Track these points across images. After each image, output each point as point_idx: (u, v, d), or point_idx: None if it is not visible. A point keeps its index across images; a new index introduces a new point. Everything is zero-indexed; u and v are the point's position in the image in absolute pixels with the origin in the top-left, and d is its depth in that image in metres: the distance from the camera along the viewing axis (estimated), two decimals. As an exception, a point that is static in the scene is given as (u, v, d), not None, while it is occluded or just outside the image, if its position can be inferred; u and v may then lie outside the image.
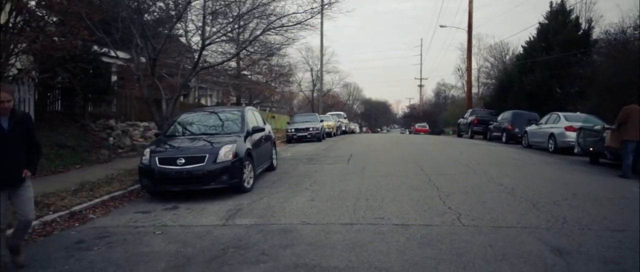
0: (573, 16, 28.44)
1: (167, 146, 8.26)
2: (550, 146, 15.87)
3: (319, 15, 12.94)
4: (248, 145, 8.55)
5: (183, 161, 7.60)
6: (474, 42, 60.03)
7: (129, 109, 17.32)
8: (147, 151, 8.01)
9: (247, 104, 30.52)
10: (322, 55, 43.47)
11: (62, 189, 7.94)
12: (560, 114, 16.56)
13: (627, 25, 23.81)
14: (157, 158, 7.72)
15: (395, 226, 5.64)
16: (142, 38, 10.46)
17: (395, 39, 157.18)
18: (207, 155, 7.67)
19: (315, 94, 55.01)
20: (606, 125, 11.63)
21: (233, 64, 26.64)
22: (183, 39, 17.90)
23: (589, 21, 27.78)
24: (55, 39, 9.47)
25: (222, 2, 11.37)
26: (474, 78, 48.29)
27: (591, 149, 11.95)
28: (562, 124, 15.51)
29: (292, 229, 5.64)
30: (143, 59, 11.13)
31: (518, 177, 9.51)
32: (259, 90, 35.32)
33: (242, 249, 4.93)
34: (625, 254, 4.58)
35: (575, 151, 13.00)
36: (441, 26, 72.82)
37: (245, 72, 31.05)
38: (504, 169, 10.72)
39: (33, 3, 9.29)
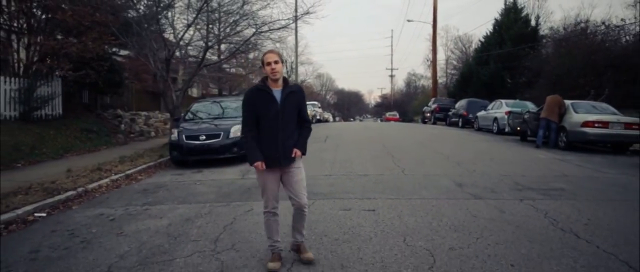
0: (524, 13, 31.69)
1: (189, 127, 10.80)
2: (494, 127, 18.91)
3: (300, 17, 15.53)
4: (250, 126, 11.17)
5: (204, 137, 10.21)
6: (442, 33, 62.98)
7: (131, 101, 19.61)
8: (175, 131, 10.57)
9: (225, 96, 32.93)
10: (296, 47, 45.91)
11: (109, 161, 10.43)
12: (503, 101, 19.62)
13: (568, 23, 27.26)
14: (184, 135, 10.31)
15: (359, 175, 8.39)
16: (157, 42, 12.88)
17: (367, 29, 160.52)
18: (222, 132, 10.30)
19: (289, 85, 57.31)
20: (528, 110, 14.69)
21: (215, 57, 29.06)
22: (165, 35, 20.23)
23: (537, 18, 31.07)
24: (90, 43, 11.82)
25: (223, 13, 13.84)
26: (442, 68, 51.70)
27: (518, 128, 14.98)
28: (503, 109, 18.56)
29: (290, 178, 8.33)
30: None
31: (455, 149, 12.40)
32: (238, 82, 37.71)
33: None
34: (501, 185, 7.42)
35: (506, 130, 16.08)
36: (408, 21, 76.21)
37: (225, 65, 33.38)
38: (448, 145, 13.61)
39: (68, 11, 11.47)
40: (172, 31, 19.21)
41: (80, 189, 7.71)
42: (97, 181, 8.42)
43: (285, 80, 4.03)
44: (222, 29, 14.62)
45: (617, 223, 5.28)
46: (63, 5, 10.56)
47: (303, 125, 4.20)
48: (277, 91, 3.96)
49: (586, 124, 12.26)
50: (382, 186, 7.40)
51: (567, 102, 13.46)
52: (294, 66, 50.33)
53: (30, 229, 5.84)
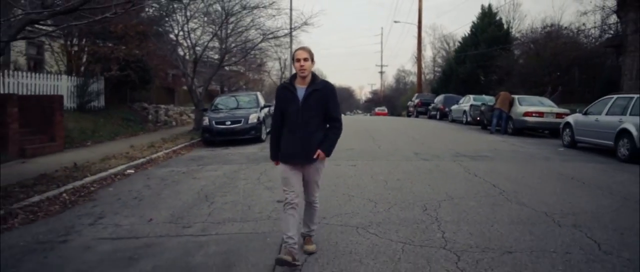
0: (498, 18, 35.05)
1: (216, 115, 13.93)
2: (463, 119, 22.17)
3: (299, 27, 18.80)
4: (262, 114, 14.36)
5: (229, 122, 13.37)
6: (430, 32, 66.17)
7: (152, 95, 22.64)
8: (206, 118, 13.69)
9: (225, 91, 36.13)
10: (291, 49, 48.97)
11: (154, 141, 13.52)
12: (471, 96, 22.88)
13: (535, 27, 30.63)
14: (214, 121, 13.46)
15: (346, 149, 11.52)
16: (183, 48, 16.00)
17: (358, 25, 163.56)
18: (243, 119, 13.46)
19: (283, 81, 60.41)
20: (483, 103, 18.01)
21: (216, 56, 32.31)
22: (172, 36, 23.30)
23: (509, 23, 34.47)
24: (134, 49, 14.92)
25: (239, 27, 17.04)
26: (429, 65, 55.08)
27: (478, 118, 18.27)
28: (470, 103, 21.82)
29: (297, 151, 11.52)
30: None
31: (424, 134, 15.65)
32: (237, 79, 40.83)
33: (276, 156, 10.76)
34: (445, 154, 10.62)
35: (469, 119, 19.38)
36: (395, 22, 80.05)
37: (226, 64, 36.49)
38: (420, 132, 16.86)
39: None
40: (195, 38, 22.41)
41: (147, 158, 10.82)
42: (155, 153, 11.54)
43: (314, 77, 4.05)
44: (234, 36, 17.71)
45: (508, 172, 8.48)
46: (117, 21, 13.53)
47: (331, 125, 4.12)
48: (301, 89, 3.98)
49: (526, 114, 15.53)
50: (362, 154, 10.60)
51: (515, 96, 16.72)
52: (287, 63, 53.92)
53: (130, 178, 8.96)
